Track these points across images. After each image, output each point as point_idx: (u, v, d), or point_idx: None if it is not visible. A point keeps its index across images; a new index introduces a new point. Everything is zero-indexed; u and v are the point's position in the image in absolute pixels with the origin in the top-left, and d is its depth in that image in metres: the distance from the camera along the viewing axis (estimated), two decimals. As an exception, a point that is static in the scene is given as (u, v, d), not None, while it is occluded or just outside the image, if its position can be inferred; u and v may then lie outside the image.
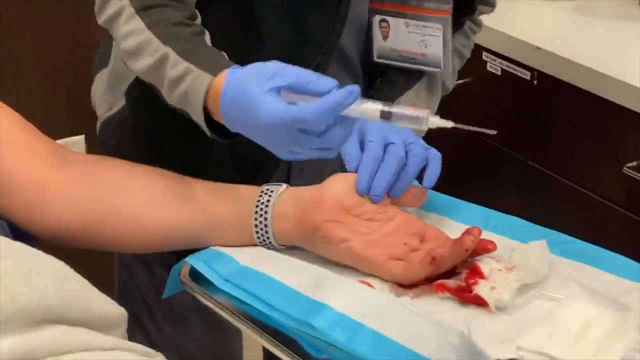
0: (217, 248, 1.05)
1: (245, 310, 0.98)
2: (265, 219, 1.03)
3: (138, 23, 1.02)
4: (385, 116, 0.91)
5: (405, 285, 1.00)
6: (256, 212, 1.04)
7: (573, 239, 1.07)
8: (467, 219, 1.12)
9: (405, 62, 1.20)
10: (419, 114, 0.91)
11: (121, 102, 1.23)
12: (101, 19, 1.08)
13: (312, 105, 0.87)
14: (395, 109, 0.92)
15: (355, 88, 0.88)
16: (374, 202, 1.03)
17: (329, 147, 0.92)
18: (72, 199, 1.03)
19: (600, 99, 1.58)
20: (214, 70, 0.95)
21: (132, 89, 1.20)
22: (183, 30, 1.02)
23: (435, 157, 1.07)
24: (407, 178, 1.05)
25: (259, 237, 1.04)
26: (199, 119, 0.98)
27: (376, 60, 1.21)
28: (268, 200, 1.04)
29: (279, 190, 1.05)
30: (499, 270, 0.99)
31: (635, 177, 1.53)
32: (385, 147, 1.04)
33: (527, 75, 1.70)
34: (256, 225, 1.03)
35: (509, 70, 1.72)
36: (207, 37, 1.05)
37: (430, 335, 0.86)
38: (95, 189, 1.04)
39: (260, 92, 0.89)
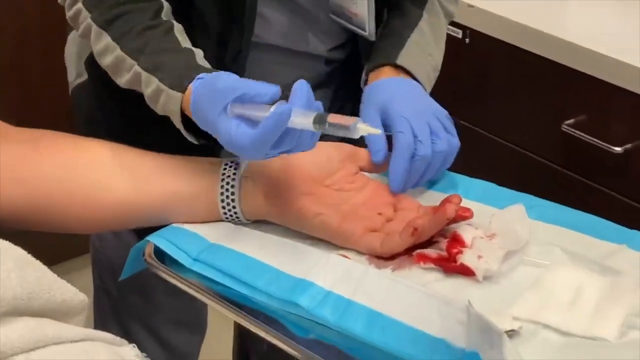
0: (181, 225, 0.99)
1: (219, 290, 0.93)
2: (233, 193, 0.98)
3: (107, 39, 1.03)
4: (320, 123, 0.88)
5: (384, 257, 0.97)
6: (222, 186, 0.98)
7: (548, 201, 1.06)
8: (434, 184, 1.10)
9: (347, 22, 1.17)
10: (347, 123, 0.88)
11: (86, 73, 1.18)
12: (78, 33, 1.09)
13: (248, 136, 0.87)
14: (328, 120, 0.88)
15: (285, 109, 0.85)
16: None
17: (289, 150, 0.90)
18: (17, 177, 0.95)
19: (536, 56, 1.59)
20: (181, 87, 0.96)
21: (91, 61, 1.15)
22: (149, 37, 1.01)
23: (451, 153, 1.06)
24: (426, 177, 1.05)
25: (225, 213, 0.99)
26: (183, 132, 0.99)
27: (331, 17, 1.18)
28: (234, 173, 0.99)
29: (245, 162, 0.99)
30: (481, 238, 0.97)
31: (574, 134, 1.55)
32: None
33: (458, 33, 1.69)
34: (222, 200, 0.98)
35: (441, 28, 1.70)
36: (177, 29, 1.03)
37: (432, 310, 0.84)
38: (43, 166, 0.96)
39: (215, 116, 0.89)
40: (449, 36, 1.68)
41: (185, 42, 1.03)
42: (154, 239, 0.97)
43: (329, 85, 1.25)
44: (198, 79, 0.95)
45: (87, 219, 0.98)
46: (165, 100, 0.98)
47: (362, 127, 0.88)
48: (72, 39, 1.25)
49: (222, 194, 0.98)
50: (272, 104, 0.88)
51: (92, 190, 0.97)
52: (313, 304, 0.88)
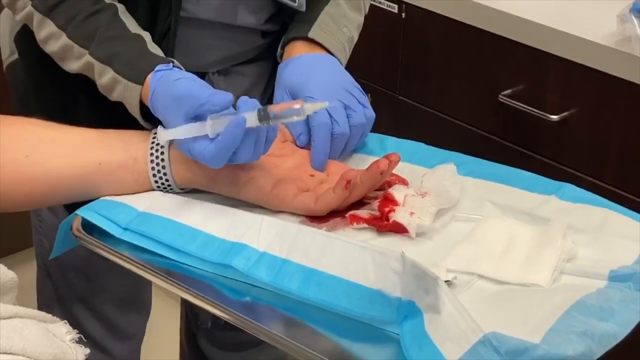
0: (110, 197, 0.99)
1: (152, 261, 0.93)
2: (163, 160, 0.98)
3: (50, 26, 1.04)
4: (264, 119, 0.93)
5: (316, 220, 0.98)
6: (152, 154, 0.98)
7: (476, 158, 1.08)
8: (364, 148, 1.11)
9: None
10: (294, 106, 0.94)
11: None
12: (17, 18, 1.09)
13: (208, 152, 0.92)
14: (272, 113, 0.94)
15: (240, 121, 0.91)
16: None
17: (256, 153, 0.95)
18: None
19: (472, 28, 1.61)
20: (139, 79, 0.99)
21: (21, 38, 1.14)
22: (96, 23, 1.02)
23: (368, 125, 1.09)
24: (347, 150, 1.08)
25: (156, 181, 0.99)
26: (142, 122, 1.02)
27: None
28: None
29: (174, 130, 1.00)
30: (413, 196, 0.98)
31: (511, 104, 1.57)
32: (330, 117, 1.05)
33: (394, 8, 1.70)
34: (153, 168, 0.98)
35: (376, 4, 1.71)
36: (122, 11, 1.05)
37: (366, 262, 0.84)
38: None
39: (173, 122, 0.94)
40: (385, 12, 1.71)
41: (132, 26, 1.05)
42: (82, 212, 0.97)
43: (267, 58, 1.25)
44: (156, 71, 0.97)
45: (15, 194, 0.97)
46: (122, 91, 1.00)
47: (308, 107, 0.95)
48: (5, 14, 1.24)
49: (152, 161, 0.98)
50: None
51: (17, 164, 0.96)
52: (247, 265, 0.88)
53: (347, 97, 1.07)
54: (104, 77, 1.01)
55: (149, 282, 1.34)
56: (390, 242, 0.94)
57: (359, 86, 1.10)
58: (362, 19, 1.23)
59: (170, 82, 0.96)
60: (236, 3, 1.17)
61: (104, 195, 0.99)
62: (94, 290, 1.34)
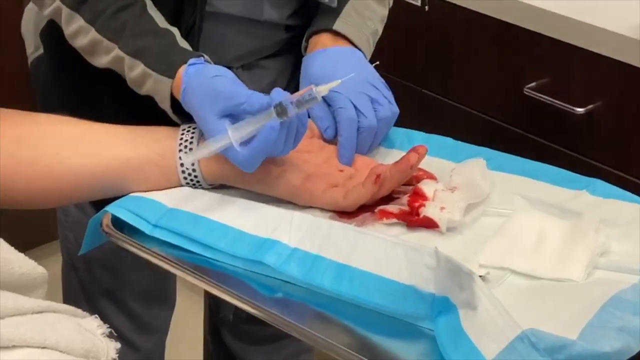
0: (139, 194, 0.99)
1: (182, 257, 0.93)
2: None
3: (79, 21, 1.04)
4: (282, 113, 0.93)
5: (345, 216, 0.98)
6: (180, 150, 0.98)
7: (504, 153, 1.08)
8: (391, 142, 1.11)
9: None
10: (309, 92, 0.94)
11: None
12: (44, 13, 1.09)
13: (242, 157, 0.93)
14: (289, 103, 0.93)
15: (275, 125, 0.92)
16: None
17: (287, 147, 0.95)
18: None
19: (496, 21, 1.60)
20: (171, 72, 0.99)
21: (47, 33, 1.14)
22: (126, 18, 1.03)
23: (393, 119, 1.09)
24: (374, 144, 1.08)
25: (186, 177, 0.99)
26: (172, 115, 1.02)
27: None
28: (192, 137, 0.99)
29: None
30: (443, 190, 0.98)
31: (537, 97, 1.56)
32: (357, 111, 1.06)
33: (417, 1, 1.70)
34: (182, 164, 0.98)
35: (398, -3, 1.71)
36: (150, 6, 1.05)
37: (399, 258, 0.85)
38: None
39: (206, 117, 0.95)
40: (408, 5, 1.70)
41: (161, 21, 1.05)
42: (112, 208, 0.97)
43: (291, 52, 1.25)
44: (190, 65, 0.98)
45: (45, 192, 0.98)
46: (153, 85, 1.01)
47: (321, 89, 0.94)
48: (30, 10, 1.24)
49: (181, 157, 0.98)
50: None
51: (47, 162, 0.97)
52: (279, 261, 0.88)
53: (372, 90, 1.07)
54: (134, 71, 1.02)
55: (174, 277, 1.35)
56: (421, 237, 0.94)
57: (384, 81, 1.10)
58: (386, 12, 1.23)
59: (208, 78, 0.96)
60: None
61: (132, 192, 0.99)
62: (120, 285, 1.35)
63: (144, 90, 1.03)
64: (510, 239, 0.92)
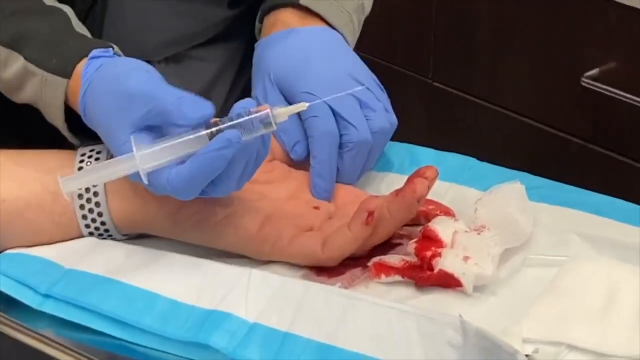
0: (21, 250, 1.01)
1: (87, 341, 0.94)
2: (96, 193, 1.00)
3: None
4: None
5: (326, 273, 1.00)
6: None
7: (550, 181, 1.11)
8: (387, 163, 1.14)
9: None
10: (261, 117, 0.94)
11: None
12: None
13: (178, 177, 0.93)
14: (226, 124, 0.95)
15: (235, 137, 0.92)
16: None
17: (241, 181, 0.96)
18: None
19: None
20: (65, 69, 1.00)
21: None
22: None
23: (390, 133, 1.11)
24: (366, 168, 1.11)
25: (88, 225, 1.01)
26: (65, 132, 1.04)
27: None
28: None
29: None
30: (465, 232, 1.00)
31: (599, 90, 1.59)
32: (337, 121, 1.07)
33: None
34: (82, 206, 1.00)
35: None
36: None
37: (408, 333, 0.87)
38: None
39: (119, 131, 0.95)
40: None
41: None
42: (-21, 272, 0.98)
43: (237, 37, 1.27)
44: (92, 58, 1.00)
45: None
46: (37, 88, 1.02)
47: (280, 112, 0.95)
48: None
49: (80, 195, 1.00)
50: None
51: None
52: (233, 343, 0.90)
53: (362, 91, 1.10)
54: (10, 68, 1.03)
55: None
56: (438, 302, 0.96)
57: (376, 79, 1.13)
58: None
59: (118, 74, 0.97)
60: None
61: (10, 247, 1.01)
62: None
63: (24, 96, 1.05)
64: (566, 301, 0.94)
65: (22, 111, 1.07)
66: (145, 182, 0.93)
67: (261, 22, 1.19)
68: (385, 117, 1.10)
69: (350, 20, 1.19)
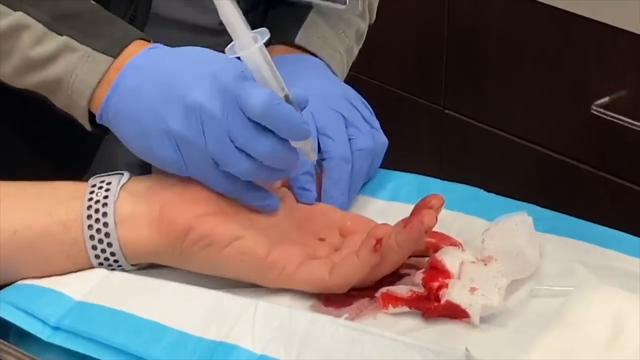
0: (31, 281, 1.02)
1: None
2: (106, 224, 1.01)
3: None
4: None
5: (333, 303, 1.01)
6: (89, 216, 1.02)
7: (556, 212, 1.13)
8: (398, 193, 1.16)
9: None
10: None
11: None
12: None
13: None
14: None
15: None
16: None
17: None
18: None
19: (547, 8, 1.63)
20: (112, 49, 1.02)
21: None
22: None
23: (378, 154, 1.14)
24: (351, 189, 1.12)
25: (97, 255, 1.02)
26: (83, 117, 1.04)
27: None
28: (106, 197, 1.02)
29: (121, 181, 1.04)
30: (472, 262, 1.01)
31: (609, 118, 1.59)
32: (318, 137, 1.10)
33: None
34: (92, 237, 1.01)
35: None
36: None
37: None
38: None
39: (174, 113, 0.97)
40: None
41: None
42: (-9, 303, 0.99)
43: None
44: (151, 49, 1.02)
45: None
46: (73, 64, 1.03)
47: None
48: None
49: (90, 226, 1.01)
50: None
51: None
52: None
53: (347, 108, 1.12)
54: (43, 45, 1.03)
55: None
56: (444, 333, 0.97)
57: (365, 102, 1.15)
58: (365, 28, 1.29)
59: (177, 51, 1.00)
60: None
61: (21, 278, 1.02)
62: None
63: (40, 77, 1.05)
64: (574, 332, 0.94)
65: (27, 107, 1.07)
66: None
67: None
68: (370, 137, 1.12)
69: (342, 61, 1.23)
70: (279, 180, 1.05)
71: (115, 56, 1.02)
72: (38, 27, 1.04)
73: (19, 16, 1.04)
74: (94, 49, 1.02)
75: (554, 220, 1.10)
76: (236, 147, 0.97)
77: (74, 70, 1.03)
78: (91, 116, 1.05)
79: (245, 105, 0.95)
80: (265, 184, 1.04)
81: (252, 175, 0.99)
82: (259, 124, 0.97)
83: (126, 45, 1.03)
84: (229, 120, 0.96)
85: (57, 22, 1.04)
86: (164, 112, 0.98)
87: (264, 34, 0.98)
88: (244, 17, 0.97)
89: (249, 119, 0.96)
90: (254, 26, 1.27)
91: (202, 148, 0.97)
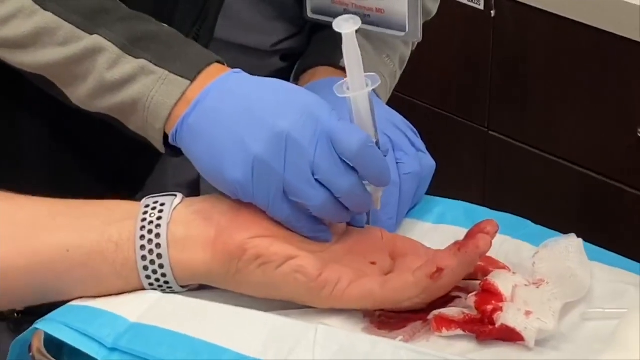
0: (85, 302, 1.02)
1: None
2: (158, 245, 1.02)
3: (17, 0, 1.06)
4: None
5: (386, 326, 1.02)
6: (142, 237, 1.02)
7: (603, 250, 1.13)
8: (444, 217, 1.17)
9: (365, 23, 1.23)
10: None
11: None
12: None
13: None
14: None
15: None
16: None
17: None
18: None
19: (592, 30, 1.63)
20: (189, 72, 1.03)
21: None
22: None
23: (425, 177, 1.16)
24: (402, 211, 1.15)
25: (148, 275, 1.03)
26: (152, 135, 1.06)
27: (310, 16, 1.23)
28: (160, 218, 1.03)
29: (174, 203, 1.05)
30: (525, 286, 1.02)
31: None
32: None
33: (479, 3, 1.73)
34: (144, 257, 1.02)
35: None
36: None
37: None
38: None
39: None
40: (466, 9, 1.74)
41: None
42: (44, 325, 1.00)
43: None
44: (233, 73, 1.03)
45: None
46: (149, 86, 1.04)
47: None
48: None
49: (142, 247, 1.02)
50: None
51: None
52: None
53: (394, 132, 1.13)
54: (118, 68, 1.05)
55: None
56: (500, 355, 0.97)
57: (410, 125, 1.16)
58: (408, 53, 1.30)
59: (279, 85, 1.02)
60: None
61: (73, 296, 1.03)
62: None
63: (116, 100, 1.06)
64: (627, 354, 0.94)
65: (86, 128, 1.09)
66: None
67: (297, 78, 1.23)
68: (417, 160, 1.14)
69: (385, 85, 1.24)
70: (342, 222, 1.06)
71: (192, 79, 1.03)
72: (114, 50, 1.05)
73: (94, 39, 1.06)
74: (170, 71, 1.04)
75: (598, 254, 1.11)
76: (316, 179, 0.98)
77: (150, 93, 1.05)
78: (164, 139, 1.07)
79: (341, 142, 0.97)
80: (326, 221, 1.05)
81: (323, 209, 1.00)
82: (346, 162, 0.99)
83: (204, 69, 1.04)
84: (316, 152, 0.98)
85: (132, 45, 1.05)
86: (245, 134, 0.99)
87: (374, 80, 1.00)
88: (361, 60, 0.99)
89: (338, 156, 0.98)
90: (300, 48, 1.30)
91: (279, 174, 0.98)
